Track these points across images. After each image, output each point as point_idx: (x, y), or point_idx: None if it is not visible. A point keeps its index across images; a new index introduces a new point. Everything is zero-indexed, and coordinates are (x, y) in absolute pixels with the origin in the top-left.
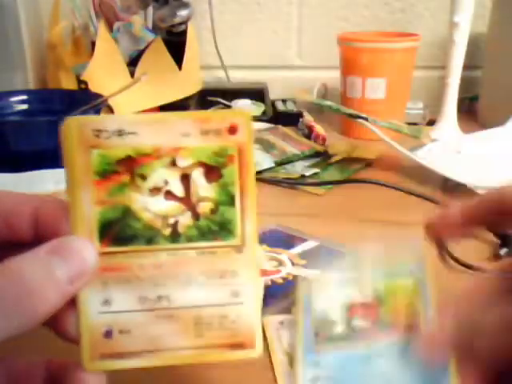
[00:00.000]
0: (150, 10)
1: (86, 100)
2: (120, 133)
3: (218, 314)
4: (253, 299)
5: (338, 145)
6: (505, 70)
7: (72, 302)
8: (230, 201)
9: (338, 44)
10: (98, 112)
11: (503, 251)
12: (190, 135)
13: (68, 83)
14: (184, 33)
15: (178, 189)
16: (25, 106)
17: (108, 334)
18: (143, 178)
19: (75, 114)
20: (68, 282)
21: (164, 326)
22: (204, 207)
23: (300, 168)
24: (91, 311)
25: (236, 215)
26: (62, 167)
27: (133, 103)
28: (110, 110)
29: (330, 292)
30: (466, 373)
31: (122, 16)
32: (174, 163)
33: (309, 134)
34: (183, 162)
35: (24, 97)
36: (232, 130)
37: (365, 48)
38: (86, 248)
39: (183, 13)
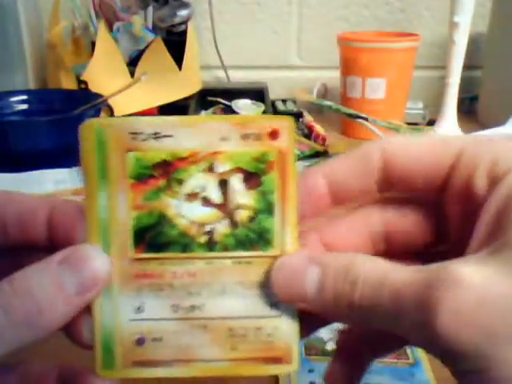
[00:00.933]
0: (150, 9)
1: (86, 100)
2: (156, 135)
3: (254, 326)
4: (290, 312)
5: (337, 145)
6: (505, 69)
7: (87, 309)
8: (270, 209)
9: (337, 44)
10: (98, 112)
11: None
12: (229, 139)
13: (68, 83)
14: (184, 33)
15: (215, 195)
16: (25, 106)
17: (140, 341)
18: (179, 182)
19: (74, 113)
20: (77, 293)
21: (196, 336)
22: (242, 215)
23: (300, 168)
24: (122, 317)
25: (275, 224)
26: (62, 167)
27: (133, 103)
28: (110, 110)
29: None
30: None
31: (122, 16)
32: (211, 168)
33: (309, 133)
34: (221, 168)
35: (24, 97)
36: (273, 135)
37: (365, 48)
38: (97, 257)
39: (183, 13)
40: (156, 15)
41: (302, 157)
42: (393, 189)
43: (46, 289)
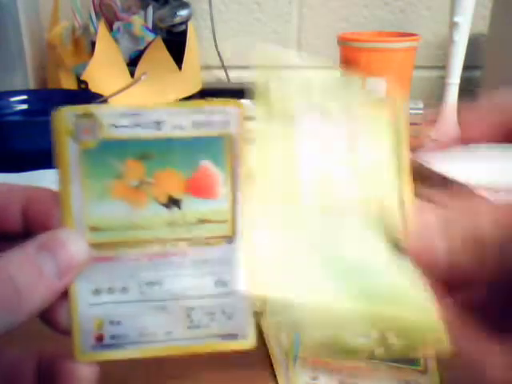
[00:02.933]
0: (150, 9)
1: (86, 100)
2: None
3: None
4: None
5: None
6: (505, 69)
7: (63, 294)
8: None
9: (338, 44)
10: None
11: None
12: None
13: (68, 83)
14: (184, 33)
15: None
16: (25, 106)
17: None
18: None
19: None
20: (56, 277)
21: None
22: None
23: None
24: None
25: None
26: None
27: (133, 103)
28: None
29: None
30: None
31: (122, 16)
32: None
33: None
34: None
35: (24, 97)
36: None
37: (365, 48)
38: (75, 241)
39: (183, 13)
40: (156, 15)
41: None
42: None
43: (24, 273)
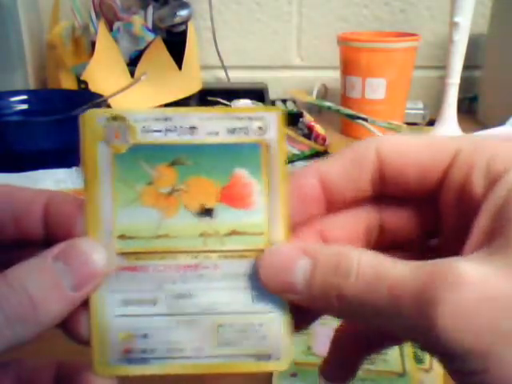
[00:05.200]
0: (150, 9)
1: (85, 100)
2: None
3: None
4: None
5: (338, 145)
6: (505, 70)
7: (84, 304)
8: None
9: (337, 44)
10: None
11: None
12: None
13: (68, 83)
14: (184, 33)
15: None
16: (25, 106)
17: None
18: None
19: (74, 113)
20: (73, 289)
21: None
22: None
23: (300, 168)
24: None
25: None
26: (62, 167)
27: (133, 103)
28: None
29: None
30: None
31: (122, 16)
32: None
33: (309, 133)
34: None
35: (24, 97)
36: (262, 127)
37: (365, 48)
38: (94, 251)
39: (183, 13)
40: (156, 15)
41: (302, 157)
42: (387, 188)
43: (40, 284)
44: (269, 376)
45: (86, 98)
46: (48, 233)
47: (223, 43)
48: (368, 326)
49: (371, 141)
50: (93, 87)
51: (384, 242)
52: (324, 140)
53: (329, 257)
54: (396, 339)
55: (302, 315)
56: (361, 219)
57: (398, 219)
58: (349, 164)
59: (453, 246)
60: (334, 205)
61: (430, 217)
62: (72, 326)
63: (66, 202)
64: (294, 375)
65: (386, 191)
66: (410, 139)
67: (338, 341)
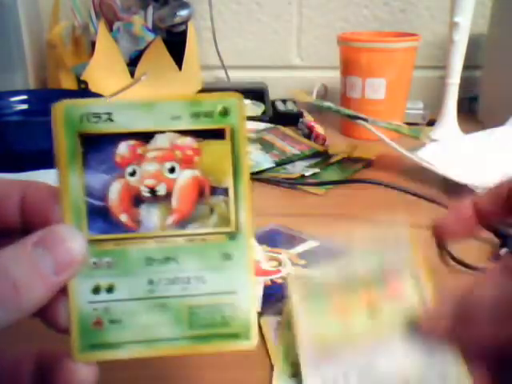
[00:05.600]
0: (150, 9)
1: None
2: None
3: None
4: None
5: (337, 145)
6: (505, 70)
7: (62, 292)
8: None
9: (337, 44)
10: None
11: (503, 251)
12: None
13: (68, 83)
14: (184, 33)
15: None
16: (25, 106)
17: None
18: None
19: None
20: (54, 274)
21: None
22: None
23: (300, 168)
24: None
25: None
26: None
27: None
28: None
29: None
30: (472, 364)
31: (122, 16)
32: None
33: (309, 134)
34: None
35: (24, 97)
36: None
37: (365, 48)
38: (73, 237)
39: (183, 13)
40: (156, 15)
41: (302, 157)
42: None
43: (22, 269)
44: (269, 376)
45: (86, 98)
46: (25, 221)
47: (223, 43)
48: None
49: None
50: (93, 87)
51: None
52: (324, 140)
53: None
54: None
55: None
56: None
57: None
58: (492, 196)
59: None
60: (482, 224)
61: None
62: (51, 314)
63: (42, 190)
64: (294, 376)
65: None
66: None
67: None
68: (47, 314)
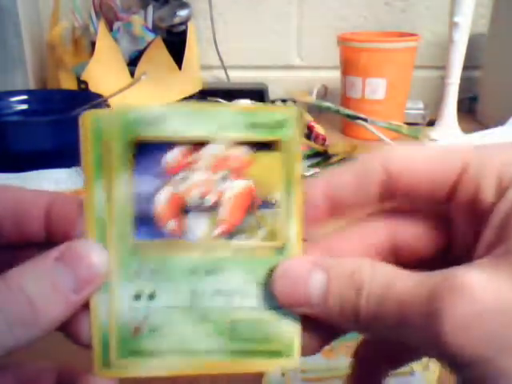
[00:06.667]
0: (150, 9)
1: (85, 100)
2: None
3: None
4: None
5: (337, 145)
6: (505, 70)
7: (85, 306)
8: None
9: (337, 44)
10: None
11: None
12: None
13: (68, 83)
14: (184, 33)
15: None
16: (25, 106)
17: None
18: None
19: (74, 113)
20: (73, 291)
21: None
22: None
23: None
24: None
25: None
26: (62, 167)
27: (133, 103)
28: None
29: None
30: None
31: (122, 16)
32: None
33: (309, 134)
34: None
35: (24, 97)
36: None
37: (365, 48)
38: (94, 253)
39: (183, 13)
40: (156, 15)
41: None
42: (395, 200)
43: (40, 287)
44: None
45: (86, 98)
46: (49, 234)
47: (223, 43)
48: (384, 339)
49: (378, 154)
50: (93, 87)
51: (398, 261)
52: (324, 140)
53: (343, 270)
54: (416, 353)
55: (322, 331)
56: (371, 236)
57: (411, 234)
58: (354, 177)
59: (467, 258)
60: (337, 215)
61: (442, 230)
62: (73, 328)
63: (67, 203)
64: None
65: (395, 205)
66: (417, 151)
67: (360, 355)
68: (69, 328)
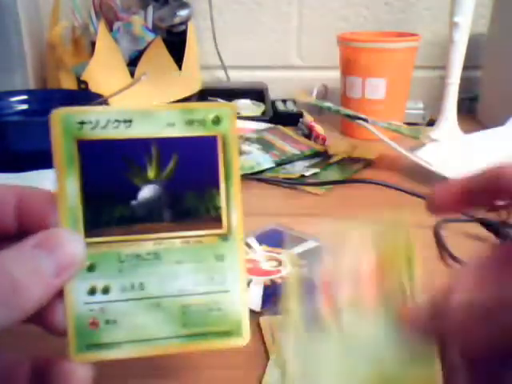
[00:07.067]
0: (150, 9)
1: (86, 100)
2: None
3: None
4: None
5: (338, 145)
6: (505, 70)
7: (59, 294)
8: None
9: (337, 44)
10: None
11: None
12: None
13: (68, 83)
14: (184, 33)
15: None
16: (25, 106)
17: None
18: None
19: None
20: (54, 275)
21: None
22: None
23: (300, 168)
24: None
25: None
26: None
27: (133, 103)
28: None
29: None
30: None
31: (122, 16)
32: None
33: (309, 134)
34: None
35: (24, 97)
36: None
37: (365, 48)
38: (73, 240)
39: (183, 13)
40: (156, 15)
41: (302, 157)
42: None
43: (23, 270)
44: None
45: (86, 98)
46: (21, 226)
47: (223, 43)
48: None
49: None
50: (93, 87)
51: None
52: (324, 140)
53: None
54: None
55: None
56: None
57: None
58: (482, 178)
59: None
60: (468, 205)
61: None
62: (48, 316)
63: (37, 195)
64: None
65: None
66: None
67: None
68: (44, 316)
